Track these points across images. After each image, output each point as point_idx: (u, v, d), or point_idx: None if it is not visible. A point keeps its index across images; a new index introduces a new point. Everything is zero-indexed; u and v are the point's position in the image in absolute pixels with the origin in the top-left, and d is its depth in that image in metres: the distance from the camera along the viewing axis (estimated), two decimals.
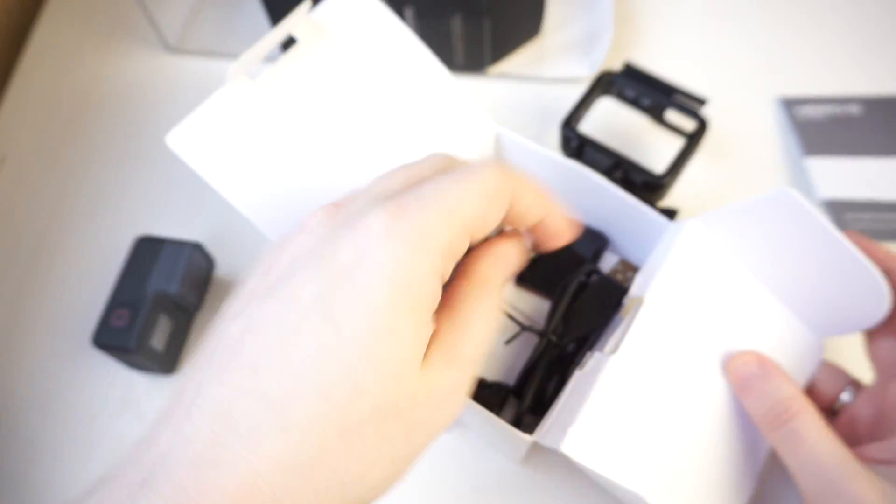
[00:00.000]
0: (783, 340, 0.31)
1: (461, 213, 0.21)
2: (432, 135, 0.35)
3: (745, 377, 0.29)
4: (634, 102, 0.42)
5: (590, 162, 0.39)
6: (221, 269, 0.42)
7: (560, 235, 0.26)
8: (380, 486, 0.20)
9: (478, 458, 0.35)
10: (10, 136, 0.48)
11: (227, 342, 0.20)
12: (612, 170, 0.38)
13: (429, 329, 0.21)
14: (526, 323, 0.36)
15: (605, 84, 0.41)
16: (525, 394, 0.33)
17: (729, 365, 0.30)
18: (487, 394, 0.34)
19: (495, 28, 0.45)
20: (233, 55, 0.50)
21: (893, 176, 0.43)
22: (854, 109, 0.46)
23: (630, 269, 0.35)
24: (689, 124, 0.40)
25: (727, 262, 0.31)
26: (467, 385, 0.22)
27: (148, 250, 0.38)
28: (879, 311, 0.28)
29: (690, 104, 0.40)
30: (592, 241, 0.39)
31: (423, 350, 0.21)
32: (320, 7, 0.33)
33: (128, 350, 0.35)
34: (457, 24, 0.44)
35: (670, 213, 0.37)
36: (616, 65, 0.49)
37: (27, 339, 0.40)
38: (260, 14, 0.47)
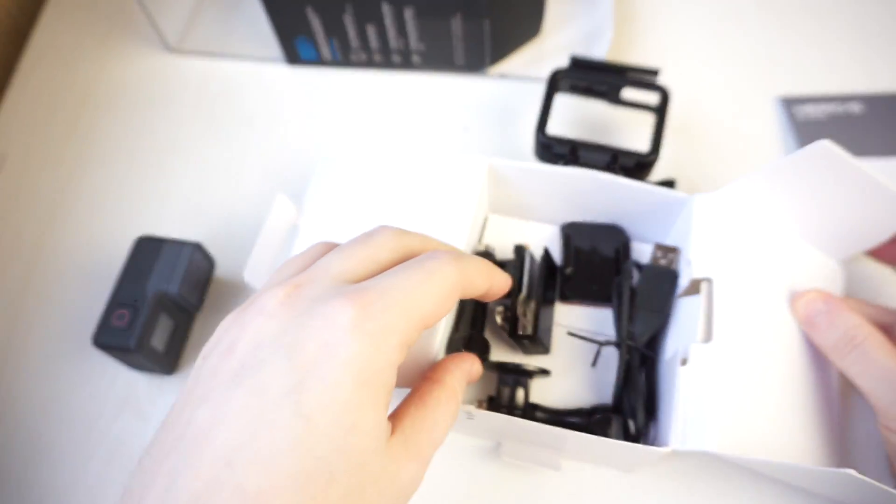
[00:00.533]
0: (813, 274, 0.34)
1: (421, 312, 0.22)
2: (434, 191, 0.36)
3: (811, 314, 0.32)
4: (589, 91, 0.42)
5: (586, 162, 0.39)
6: (222, 269, 0.42)
7: (500, 294, 0.28)
8: None
9: (580, 476, 0.35)
10: (11, 135, 0.48)
11: (195, 430, 0.20)
12: (611, 163, 0.38)
13: (385, 418, 0.22)
14: (601, 339, 0.35)
15: (557, 82, 0.42)
16: (635, 407, 0.33)
17: (795, 305, 0.32)
18: (598, 421, 0.34)
19: (495, 28, 0.45)
20: (233, 56, 0.51)
21: (894, 174, 0.43)
22: (855, 108, 0.46)
23: (669, 251, 0.35)
24: (651, 98, 0.41)
25: (764, 223, 0.33)
26: (424, 472, 0.23)
27: (148, 250, 0.38)
28: None
29: (645, 77, 0.41)
30: (612, 238, 0.39)
31: (385, 437, 0.22)
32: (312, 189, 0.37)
33: (128, 350, 0.35)
34: (457, 24, 0.44)
35: (670, 184, 0.38)
36: None
37: (27, 338, 0.40)
38: (260, 14, 0.47)
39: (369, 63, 0.49)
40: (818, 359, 0.32)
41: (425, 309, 0.23)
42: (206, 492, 0.19)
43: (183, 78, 0.50)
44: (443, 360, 0.27)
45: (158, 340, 0.36)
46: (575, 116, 0.46)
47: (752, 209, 0.33)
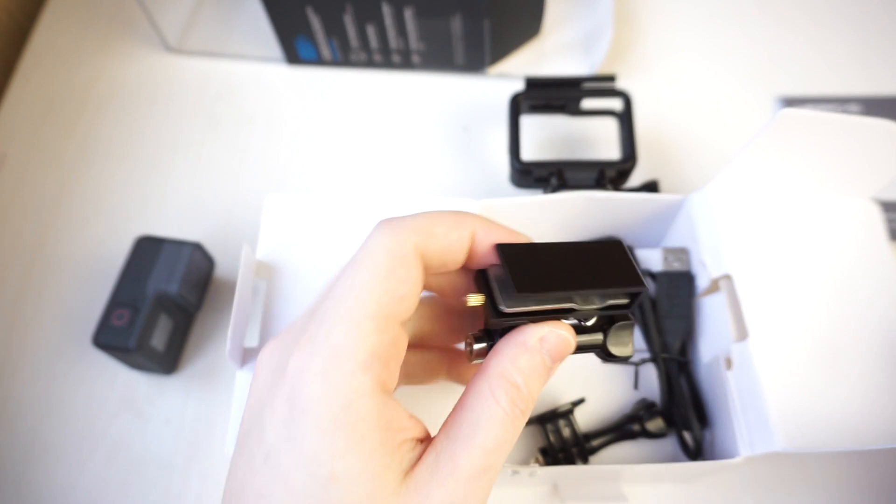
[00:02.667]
0: (851, 223, 0.33)
1: (372, 313, 0.20)
2: None
3: None
4: (548, 108, 0.42)
5: (575, 182, 0.39)
6: (221, 268, 0.42)
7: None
8: None
9: (644, 497, 0.34)
10: (11, 135, 0.48)
11: (229, 488, 0.20)
12: (599, 179, 0.38)
13: (391, 452, 0.19)
14: (636, 359, 0.35)
15: (518, 105, 0.41)
16: (688, 418, 0.33)
17: None
18: (650, 417, 0.34)
19: (495, 28, 0.45)
20: (233, 56, 0.51)
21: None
22: (854, 109, 0.46)
23: (680, 252, 0.35)
24: (614, 104, 0.42)
25: (764, 200, 0.33)
26: (473, 501, 0.19)
27: (148, 250, 0.38)
28: None
29: (602, 85, 0.41)
30: None
31: (388, 472, 0.19)
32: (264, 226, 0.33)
33: (128, 350, 0.35)
34: (457, 24, 0.44)
35: (654, 186, 0.39)
36: (615, 66, 0.49)
37: (27, 338, 0.40)
38: (260, 14, 0.47)
39: (369, 63, 0.49)
40: (873, 319, 0.31)
41: (371, 301, 0.20)
42: None
43: (183, 78, 0.50)
44: (501, 340, 0.22)
45: (158, 340, 0.36)
46: (540, 136, 0.46)
47: (750, 191, 0.33)
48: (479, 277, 0.23)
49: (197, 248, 0.38)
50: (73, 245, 0.43)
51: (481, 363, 0.22)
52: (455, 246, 0.22)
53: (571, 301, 0.23)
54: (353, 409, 0.19)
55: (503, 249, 0.22)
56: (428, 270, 0.22)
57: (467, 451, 0.19)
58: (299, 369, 0.19)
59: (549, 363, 0.22)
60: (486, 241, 0.22)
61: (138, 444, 0.37)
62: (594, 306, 0.23)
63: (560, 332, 0.22)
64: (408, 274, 0.21)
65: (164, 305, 0.37)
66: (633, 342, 0.25)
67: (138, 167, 0.46)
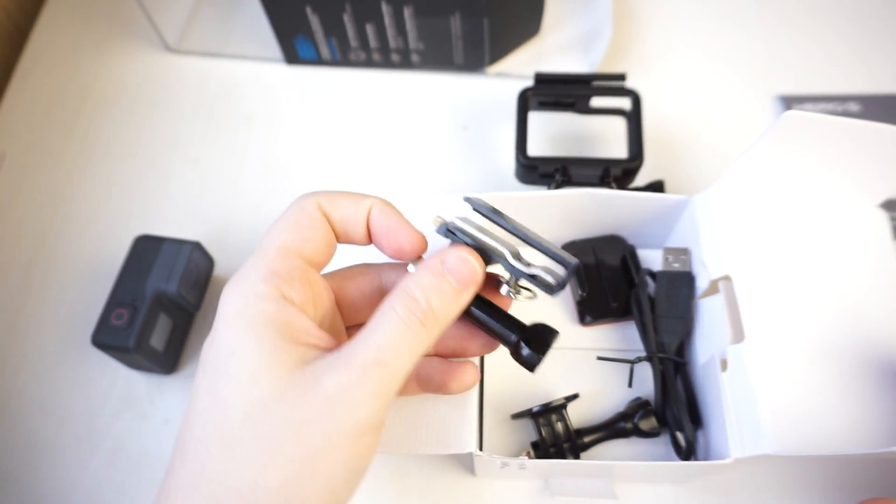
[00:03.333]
0: (857, 229, 0.33)
1: (275, 244, 0.24)
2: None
3: None
4: (557, 105, 0.42)
5: (579, 179, 0.38)
6: (221, 268, 0.42)
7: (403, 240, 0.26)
8: (293, 489, 0.21)
9: (634, 497, 0.34)
10: (10, 135, 0.48)
11: None
12: (604, 176, 0.38)
13: (289, 342, 0.23)
14: (632, 357, 0.35)
15: (527, 100, 0.41)
16: (681, 419, 0.33)
17: None
18: (643, 416, 0.34)
19: (494, 27, 0.45)
20: (232, 55, 0.51)
21: None
22: (853, 108, 0.46)
23: (680, 253, 0.35)
24: (622, 102, 0.41)
25: (767, 203, 0.33)
26: (364, 387, 0.22)
27: (147, 249, 0.38)
28: None
29: (612, 84, 0.41)
30: (615, 249, 0.38)
31: (292, 359, 0.22)
32: None
33: (127, 349, 0.35)
34: (456, 23, 0.44)
35: (660, 186, 0.39)
36: (614, 65, 0.49)
37: (27, 338, 0.40)
38: (259, 14, 0.47)
39: (368, 62, 0.49)
40: (871, 325, 0.31)
41: (278, 238, 0.25)
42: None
43: (182, 78, 0.50)
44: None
45: (157, 340, 0.36)
46: (546, 133, 0.46)
47: (753, 193, 0.33)
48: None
49: (196, 247, 0.38)
50: (72, 244, 0.43)
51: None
52: (354, 217, 0.26)
53: (507, 247, 0.25)
54: (253, 306, 0.23)
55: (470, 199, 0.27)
56: (337, 234, 0.26)
57: (362, 346, 0.23)
58: (225, 287, 0.24)
59: (454, 284, 0.24)
60: (379, 220, 0.26)
61: (138, 444, 0.37)
62: (522, 268, 0.25)
63: (460, 254, 0.25)
64: (311, 222, 0.25)
65: (164, 305, 0.37)
66: (549, 349, 0.26)
67: (138, 167, 0.46)
